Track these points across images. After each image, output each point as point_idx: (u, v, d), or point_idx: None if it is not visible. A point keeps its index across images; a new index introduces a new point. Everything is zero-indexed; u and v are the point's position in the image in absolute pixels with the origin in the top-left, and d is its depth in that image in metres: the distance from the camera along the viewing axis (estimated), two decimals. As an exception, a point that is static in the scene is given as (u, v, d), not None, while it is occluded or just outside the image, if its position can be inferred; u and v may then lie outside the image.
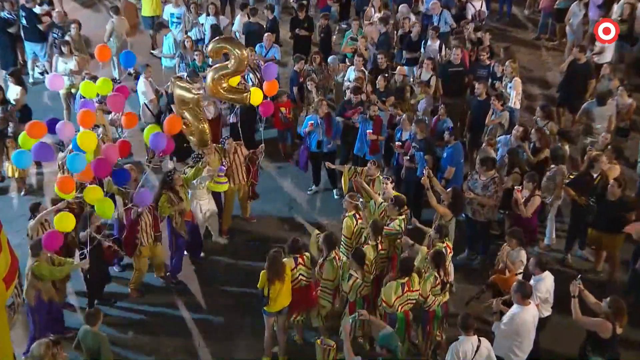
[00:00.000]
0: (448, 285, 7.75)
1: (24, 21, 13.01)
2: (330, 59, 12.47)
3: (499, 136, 10.29)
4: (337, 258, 7.86)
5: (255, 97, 9.41)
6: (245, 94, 9.31)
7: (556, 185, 9.30)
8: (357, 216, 8.50)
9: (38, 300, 7.86)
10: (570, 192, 9.17)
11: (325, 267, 7.83)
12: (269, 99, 9.63)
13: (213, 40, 9.52)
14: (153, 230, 8.80)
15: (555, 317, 7.86)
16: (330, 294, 7.92)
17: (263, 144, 9.85)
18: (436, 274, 7.56)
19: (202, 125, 9.45)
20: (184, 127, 9.26)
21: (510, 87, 11.08)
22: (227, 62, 9.09)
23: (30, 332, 8.05)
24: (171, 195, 8.85)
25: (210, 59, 10.77)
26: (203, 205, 9.54)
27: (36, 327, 7.95)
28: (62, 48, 11.84)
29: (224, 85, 9.11)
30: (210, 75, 9.13)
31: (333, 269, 7.80)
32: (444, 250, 7.85)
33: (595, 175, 9.10)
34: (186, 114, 9.39)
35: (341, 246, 8.41)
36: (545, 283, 7.52)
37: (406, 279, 7.40)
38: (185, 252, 9.56)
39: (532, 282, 7.44)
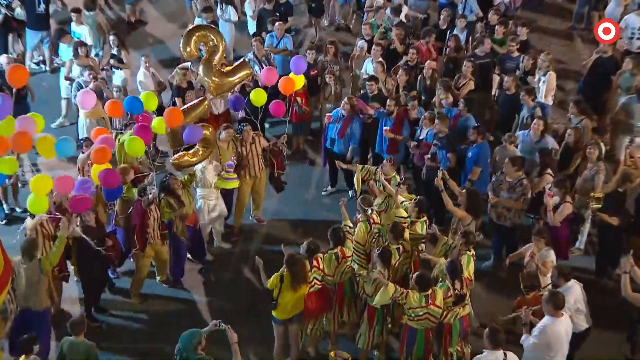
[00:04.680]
0: (465, 297, 7.72)
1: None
2: (360, 42, 12.40)
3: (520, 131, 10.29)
4: (340, 254, 7.95)
5: (259, 98, 9.40)
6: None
7: (594, 186, 9.21)
8: (372, 220, 8.54)
9: (52, 300, 8.05)
10: (606, 218, 9.00)
11: (326, 259, 7.92)
12: (279, 99, 9.60)
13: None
14: (159, 229, 8.94)
15: (593, 334, 7.87)
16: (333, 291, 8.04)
17: (285, 135, 9.94)
18: (449, 285, 7.57)
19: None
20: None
21: (543, 82, 11.07)
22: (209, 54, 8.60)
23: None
24: (171, 200, 8.91)
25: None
26: (211, 206, 9.60)
27: (48, 336, 8.04)
28: (79, 50, 11.62)
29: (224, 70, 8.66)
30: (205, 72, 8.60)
31: (332, 264, 7.89)
32: (471, 257, 7.93)
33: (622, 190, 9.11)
34: None
35: (353, 255, 8.37)
36: (573, 293, 7.51)
37: (429, 290, 7.42)
38: (189, 256, 9.65)
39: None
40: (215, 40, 8.39)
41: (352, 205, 9.38)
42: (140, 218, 8.66)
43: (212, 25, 9.00)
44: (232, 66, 8.91)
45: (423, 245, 8.39)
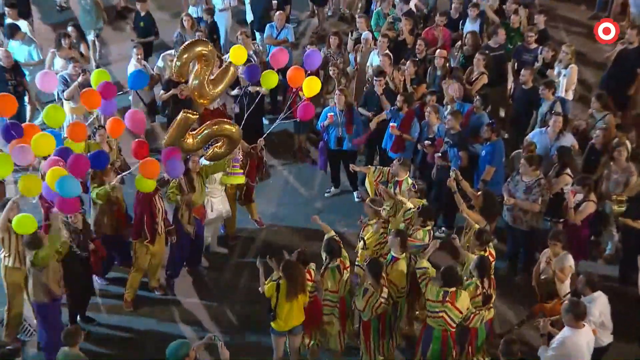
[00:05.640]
0: (492, 299, 7.61)
1: None
2: (364, 34, 12.22)
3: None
4: (342, 266, 7.80)
5: (270, 80, 9.18)
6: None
7: (626, 187, 9.06)
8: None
9: (49, 295, 7.86)
10: (629, 222, 8.86)
11: (327, 275, 7.77)
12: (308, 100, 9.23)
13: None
14: (164, 223, 8.82)
15: (616, 347, 7.73)
16: (334, 307, 7.87)
17: (262, 139, 9.71)
18: (478, 283, 7.44)
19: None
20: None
21: (563, 76, 10.87)
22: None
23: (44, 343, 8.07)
24: (183, 181, 8.72)
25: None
26: (215, 204, 9.44)
27: (52, 332, 7.89)
28: (62, 41, 11.47)
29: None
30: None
31: (335, 278, 7.76)
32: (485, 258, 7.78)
33: None
34: None
35: (357, 259, 8.31)
36: (598, 304, 7.37)
37: (453, 288, 7.25)
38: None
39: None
40: (211, 60, 8.01)
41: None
42: (148, 207, 8.51)
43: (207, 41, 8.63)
44: (217, 72, 8.45)
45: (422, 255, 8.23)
